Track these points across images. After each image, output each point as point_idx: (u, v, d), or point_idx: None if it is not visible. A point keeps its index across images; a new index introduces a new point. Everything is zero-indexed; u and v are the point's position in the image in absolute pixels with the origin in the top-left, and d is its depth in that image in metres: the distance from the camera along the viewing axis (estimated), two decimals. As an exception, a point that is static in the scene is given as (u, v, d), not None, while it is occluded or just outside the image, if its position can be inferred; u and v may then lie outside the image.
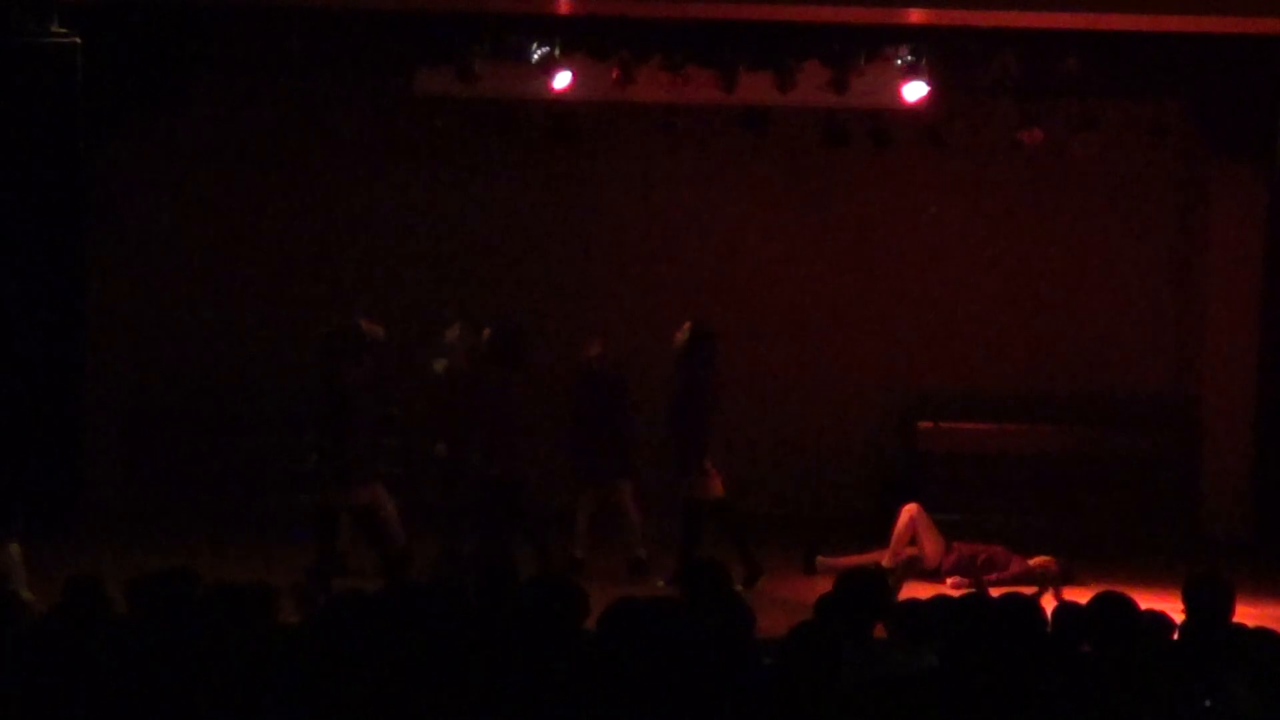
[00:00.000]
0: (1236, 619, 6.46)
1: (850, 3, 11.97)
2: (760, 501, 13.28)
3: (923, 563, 12.11)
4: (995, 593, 6.90)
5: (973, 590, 7.93)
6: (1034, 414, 14.65)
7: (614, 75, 12.64)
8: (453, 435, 11.83)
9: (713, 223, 14.79)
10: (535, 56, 12.58)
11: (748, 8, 12.07)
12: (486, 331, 11.67)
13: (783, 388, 14.69)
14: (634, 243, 14.77)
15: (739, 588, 9.66)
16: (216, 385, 14.37)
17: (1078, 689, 5.72)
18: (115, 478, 13.97)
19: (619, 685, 5.60)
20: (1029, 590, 8.83)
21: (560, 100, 13.02)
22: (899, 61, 12.75)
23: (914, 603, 6.80)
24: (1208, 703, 5.71)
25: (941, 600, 6.75)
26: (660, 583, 11.16)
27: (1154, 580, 10.59)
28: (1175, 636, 6.46)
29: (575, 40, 12.59)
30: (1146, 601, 6.64)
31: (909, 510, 12.26)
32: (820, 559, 12.14)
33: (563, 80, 12.70)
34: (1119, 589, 6.64)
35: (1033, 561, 11.95)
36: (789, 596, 10.78)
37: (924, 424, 14.63)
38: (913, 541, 12.20)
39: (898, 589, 10.21)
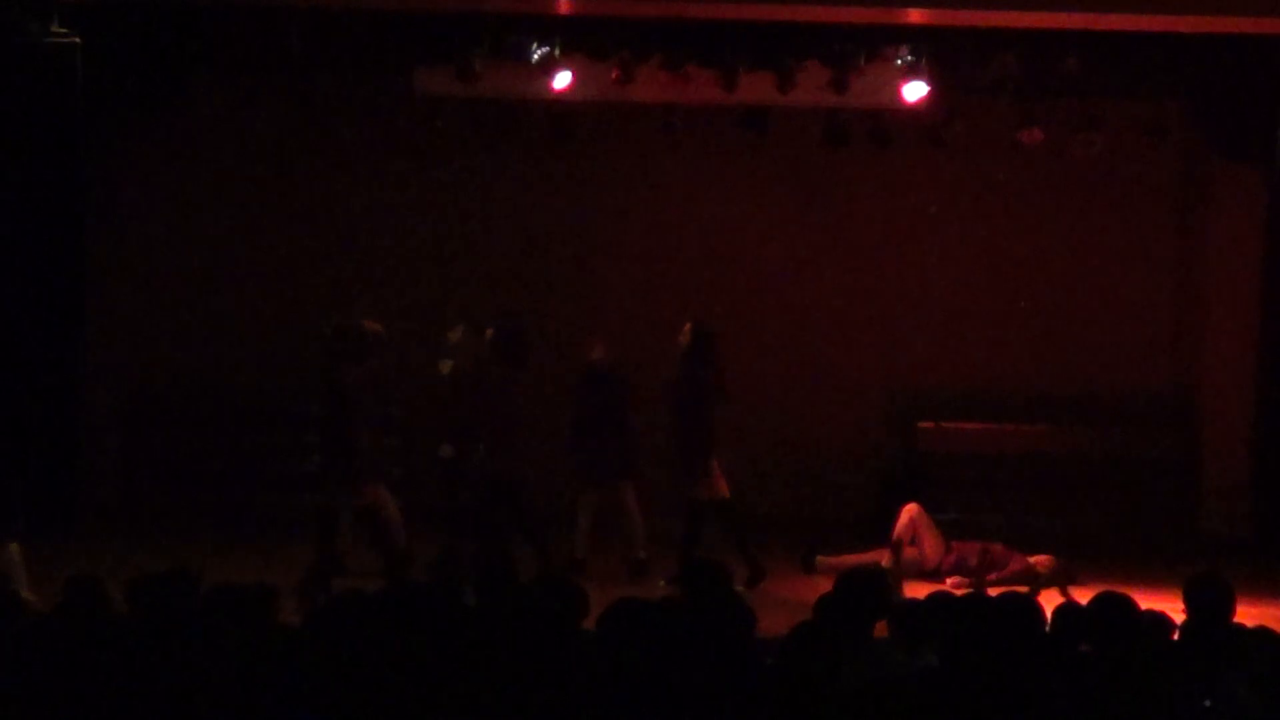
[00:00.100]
0: (1236, 619, 6.46)
1: (850, 3, 11.97)
2: (760, 502, 13.27)
3: (923, 563, 12.12)
4: (994, 592, 6.91)
5: (972, 590, 7.94)
6: (1034, 414, 14.66)
7: (614, 75, 12.64)
8: (457, 436, 11.82)
9: (713, 223, 14.79)
10: (535, 56, 12.57)
11: (748, 8, 12.07)
12: (490, 332, 11.68)
13: (783, 387, 14.69)
14: (634, 243, 14.78)
15: (740, 588, 9.68)
16: (216, 385, 14.36)
17: (1078, 689, 5.72)
18: (115, 478, 13.98)
19: (619, 685, 5.60)
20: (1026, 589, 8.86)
21: (560, 100, 13.02)
22: (899, 61, 12.76)
23: (914, 603, 6.80)
24: (1207, 703, 5.71)
25: (941, 600, 6.75)
26: (661, 583, 11.16)
27: (1154, 580, 10.58)
28: (1175, 636, 6.46)
29: (575, 40, 12.59)
30: (1146, 601, 6.64)
31: (909, 510, 12.26)
32: (820, 559, 12.15)
33: (563, 80, 12.70)
34: (1119, 589, 6.63)
35: (1033, 559, 11.96)
36: (789, 596, 10.79)
37: (924, 424, 14.64)
38: (913, 541, 12.21)
39: (898, 589, 10.22)
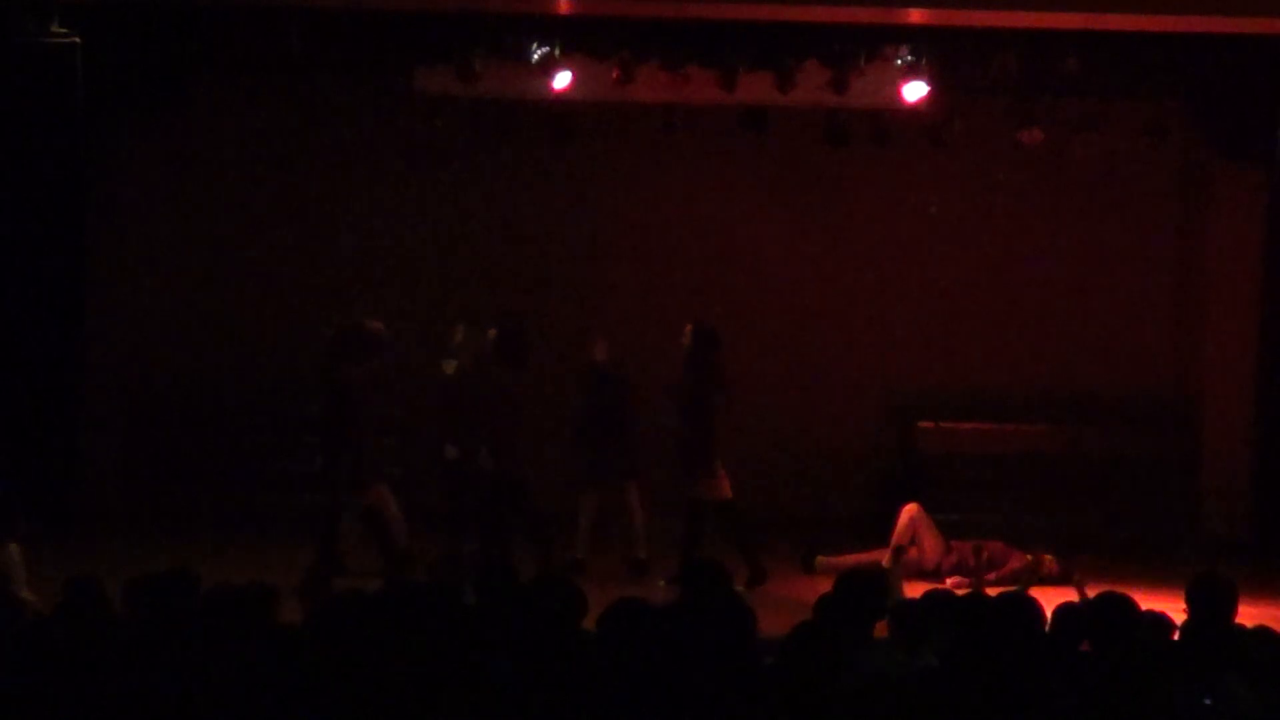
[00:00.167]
0: (1236, 619, 6.46)
1: (850, 3, 11.96)
2: (760, 501, 13.25)
3: (923, 563, 12.12)
4: (993, 592, 6.91)
5: (972, 590, 7.94)
6: (1034, 414, 14.65)
7: (614, 75, 12.63)
8: (460, 437, 11.81)
9: (713, 223, 14.79)
10: (535, 56, 12.57)
11: (748, 8, 12.06)
12: (492, 332, 11.69)
13: (783, 387, 14.68)
14: (634, 242, 14.77)
15: (741, 588, 9.68)
16: (216, 385, 14.35)
17: (1078, 689, 5.73)
18: (115, 478, 13.96)
19: (619, 685, 5.60)
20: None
21: (560, 100, 13.00)
22: (899, 61, 12.74)
23: (914, 603, 6.80)
24: (1208, 701, 5.71)
25: (941, 600, 6.74)
26: (660, 583, 11.17)
27: (1154, 580, 10.59)
28: (1175, 636, 6.46)
29: (575, 40, 12.58)
30: (1146, 601, 6.65)
31: (909, 510, 12.26)
32: (820, 559, 12.15)
33: (563, 80, 12.69)
34: (1119, 589, 6.63)
35: (1032, 557, 11.95)
36: (789, 596, 10.79)
37: (924, 424, 14.63)
38: (913, 541, 12.21)
39: (898, 589, 10.22)
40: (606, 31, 12.58)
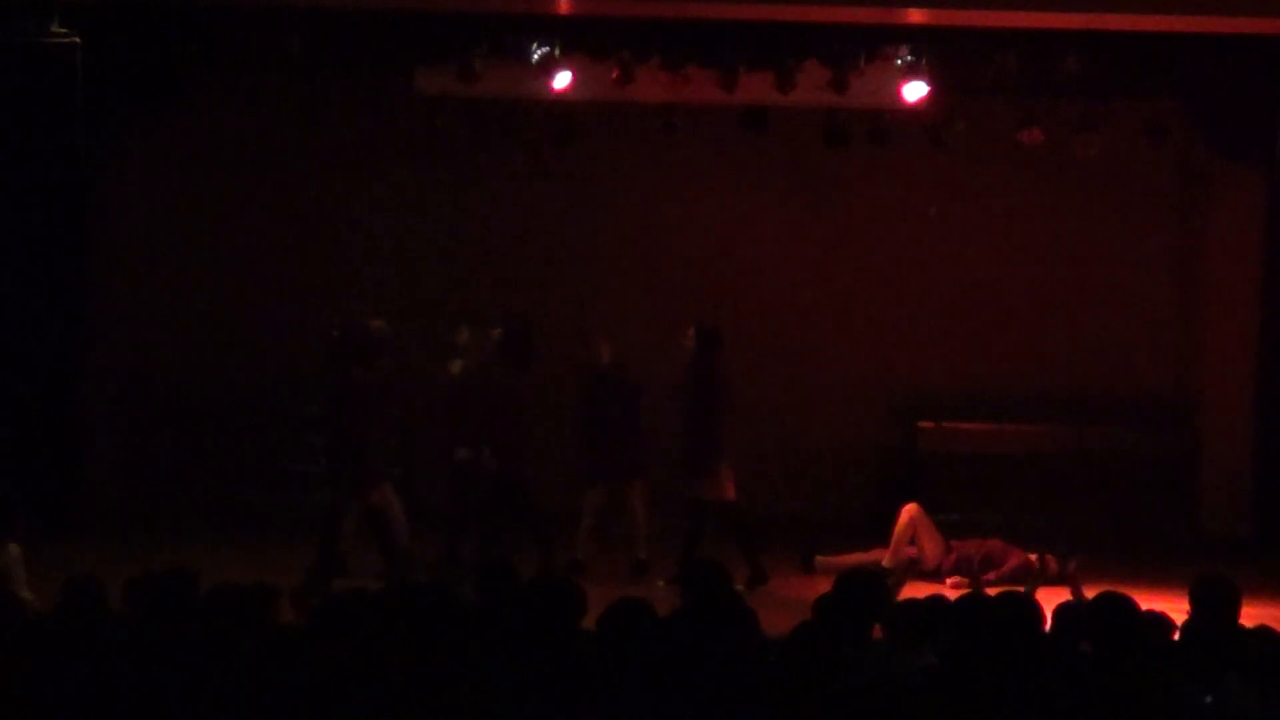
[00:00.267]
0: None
1: (850, 3, 11.97)
2: (760, 501, 13.26)
3: (923, 563, 12.11)
4: (992, 592, 6.90)
5: (972, 590, 7.94)
6: (1034, 414, 14.64)
7: (614, 75, 12.63)
8: (467, 437, 11.78)
9: (713, 223, 14.79)
10: (535, 56, 12.56)
11: (748, 8, 12.07)
12: (497, 332, 11.69)
13: (783, 387, 14.68)
14: (634, 242, 14.77)
15: (740, 588, 9.68)
16: (216, 385, 14.35)
17: (1078, 689, 5.72)
18: (115, 478, 13.96)
19: (618, 685, 5.60)
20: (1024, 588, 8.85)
21: (560, 100, 13.00)
22: (899, 61, 12.74)
23: (914, 603, 6.80)
24: (1208, 699, 5.71)
25: (940, 600, 6.75)
26: (660, 583, 11.16)
27: (1154, 580, 10.59)
28: (1175, 636, 6.46)
29: (575, 40, 12.58)
30: (1146, 601, 6.64)
31: (909, 510, 12.26)
32: (820, 559, 12.15)
33: (563, 80, 12.69)
34: (1119, 589, 6.63)
35: (1032, 556, 11.95)
36: (789, 596, 10.78)
37: (924, 424, 14.63)
38: (913, 541, 12.21)
39: (898, 589, 10.22)
40: (606, 31, 12.58)
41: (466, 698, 5.57)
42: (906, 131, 13.43)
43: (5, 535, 9.83)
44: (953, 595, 7.17)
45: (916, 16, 12.15)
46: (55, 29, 12.07)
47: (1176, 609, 6.61)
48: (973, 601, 6.67)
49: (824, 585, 7.20)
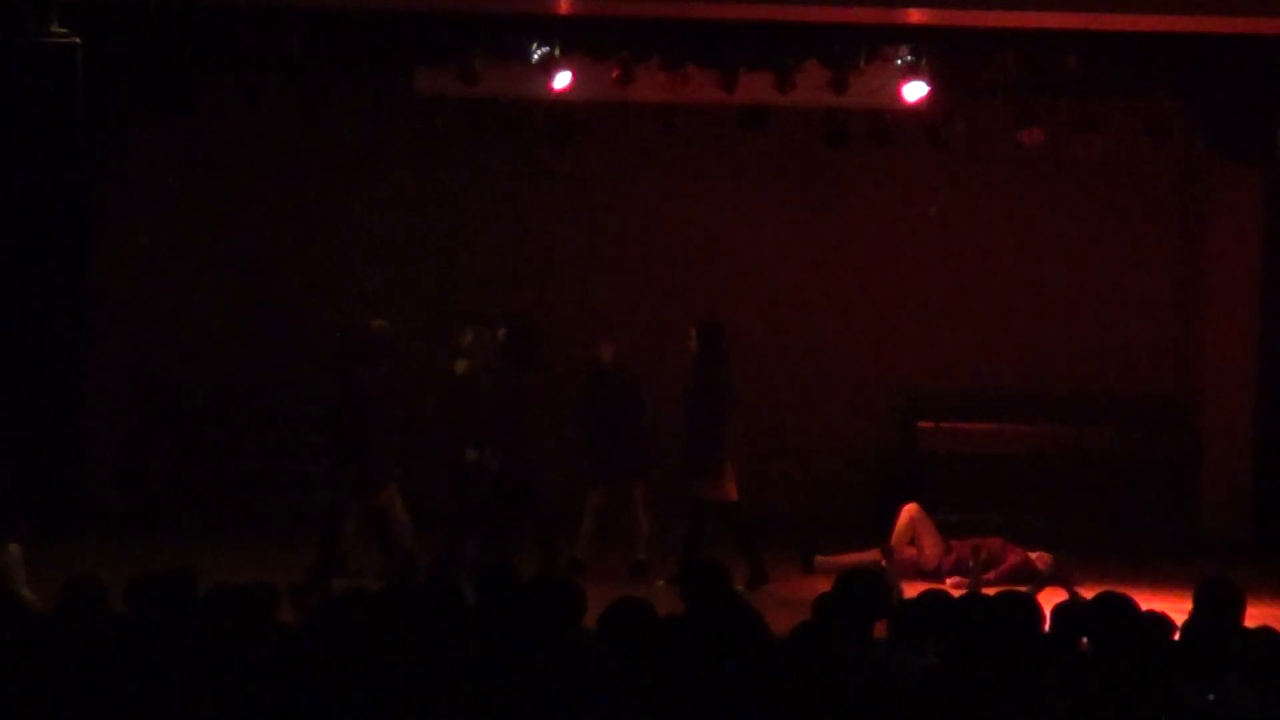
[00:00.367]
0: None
1: (850, 3, 11.96)
2: (760, 501, 13.26)
3: (923, 563, 12.12)
4: (992, 591, 6.90)
5: (971, 590, 7.94)
6: (1034, 414, 14.65)
7: (614, 75, 12.62)
8: (473, 438, 11.77)
9: (713, 223, 14.79)
10: (535, 56, 12.56)
11: (748, 8, 12.07)
12: (502, 332, 11.69)
13: (783, 387, 14.69)
14: (634, 242, 14.78)
15: (741, 588, 9.67)
16: (217, 385, 14.36)
17: (1078, 689, 5.72)
18: (115, 478, 13.96)
19: (618, 685, 5.60)
20: (1024, 588, 8.84)
21: (560, 100, 13.00)
22: (899, 61, 12.73)
23: (914, 602, 6.80)
24: (1210, 697, 5.71)
25: (940, 600, 6.74)
26: (660, 582, 11.17)
27: (1154, 580, 10.59)
28: (1175, 636, 6.46)
29: (575, 40, 12.57)
30: (1146, 601, 6.64)
31: (909, 510, 12.27)
32: (820, 559, 12.15)
33: (563, 80, 12.68)
34: (1119, 589, 6.63)
35: (1032, 555, 11.95)
36: (789, 596, 10.78)
37: (924, 424, 14.63)
38: (913, 542, 12.21)
39: (897, 589, 10.22)
40: (606, 31, 12.58)
41: (466, 698, 5.57)
42: (906, 131, 13.43)
43: (5, 535, 9.83)
44: (953, 595, 7.17)
45: (916, 16, 12.14)
46: (55, 29, 12.06)
47: (1176, 609, 6.61)
48: (973, 601, 6.68)
49: (824, 585, 7.21)
